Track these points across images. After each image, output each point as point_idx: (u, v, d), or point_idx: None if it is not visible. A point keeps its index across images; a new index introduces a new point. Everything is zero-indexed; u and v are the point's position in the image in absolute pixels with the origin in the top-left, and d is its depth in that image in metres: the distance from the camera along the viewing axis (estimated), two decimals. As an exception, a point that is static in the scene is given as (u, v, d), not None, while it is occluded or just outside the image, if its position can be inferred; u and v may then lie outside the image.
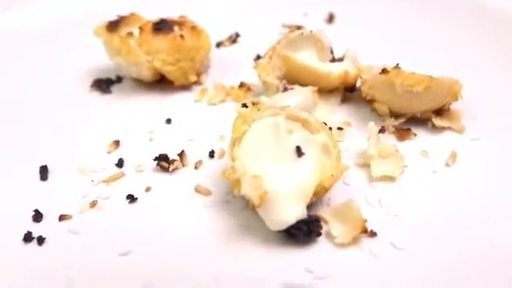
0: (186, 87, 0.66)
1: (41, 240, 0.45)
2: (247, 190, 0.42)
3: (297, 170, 0.44)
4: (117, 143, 0.56)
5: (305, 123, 0.47)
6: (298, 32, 0.64)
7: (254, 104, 0.53)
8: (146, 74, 0.66)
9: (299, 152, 0.45)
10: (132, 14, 0.68)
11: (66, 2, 0.87)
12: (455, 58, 0.68)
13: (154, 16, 0.67)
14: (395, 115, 0.58)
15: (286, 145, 0.45)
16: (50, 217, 0.47)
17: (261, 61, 0.63)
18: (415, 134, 0.57)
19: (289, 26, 0.82)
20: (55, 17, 0.84)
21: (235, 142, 0.46)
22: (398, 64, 0.56)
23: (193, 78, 0.66)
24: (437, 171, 0.52)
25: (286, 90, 0.60)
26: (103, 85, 0.69)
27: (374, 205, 0.48)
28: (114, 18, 0.67)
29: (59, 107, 0.65)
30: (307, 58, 0.63)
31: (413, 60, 0.62)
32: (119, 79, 0.70)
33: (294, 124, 0.47)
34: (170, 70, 0.64)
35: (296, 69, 0.62)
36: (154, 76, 0.66)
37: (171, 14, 0.69)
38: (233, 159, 0.45)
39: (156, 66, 0.64)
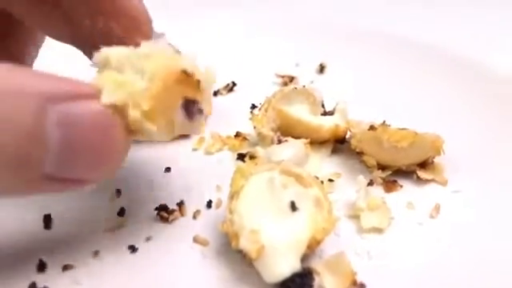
0: (184, 136, 0.70)
1: (45, 291, 0.46)
2: (245, 244, 0.44)
3: (291, 225, 0.46)
4: (119, 192, 0.59)
5: (298, 178, 0.50)
6: (291, 86, 0.68)
7: (250, 157, 0.56)
8: None
9: (293, 207, 0.47)
10: None
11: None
12: (439, 114, 0.73)
13: None
14: (382, 167, 0.61)
15: (281, 199, 0.48)
16: (53, 267, 0.49)
17: (256, 113, 0.67)
18: (401, 186, 0.60)
19: (282, 76, 0.87)
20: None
21: (233, 195, 0.49)
22: (384, 121, 0.60)
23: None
24: (422, 223, 0.54)
25: (280, 141, 0.64)
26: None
27: (363, 256, 0.50)
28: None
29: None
30: (300, 112, 0.67)
31: (398, 113, 0.67)
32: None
33: (288, 178, 0.50)
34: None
35: (289, 122, 0.66)
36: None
37: None
38: (231, 212, 0.48)
39: None
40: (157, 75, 0.41)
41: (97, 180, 0.42)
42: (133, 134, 0.42)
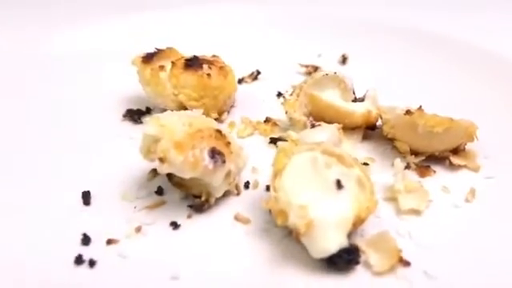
0: (216, 120, 0.70)
1: (92, 263, 0.46)
2: (294, 219, 0.45)
3: (337, 202, 0.47)
4: (155, 171, 0.59)
5: (340, 158, 0.51)
6: (323, 72, 0.69)
7: (290, 139, 0.57)
8: (171, 106, 0.69)
9: (339, 185, 0.48)
10: (169, 49, 0.72)
11: (114, 30, 0.93)
12: (467, 102, 0.73)
13: (194, 52, 0.72)
14: (415, 153, 0.62)
15: (326, 178, 0.48)
16: (97, 241, 0.49)
17: (288, 98, 0.68)
18: (435, 171, 0.60)
19: (306, 66, 0.88)
20: (99, 43, 0.90)
21: (277, 173, 0.50)
22: (420, 106, 0.60)
23: (214, 116, 0.69)
24: (458, 206, 0.55)
25: (313, 126, 0.64)
26: (135, 115, 0.72)
27: (405, 236, 0.51)
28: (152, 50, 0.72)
29: (94, 134, 0.68)
30: (332, 97, 0.67)
31: (424, 102, 0.68)
32: (148, 110, 0.74)
33: (330, 159, 0.51)
34: (192, 105, 0.68)
35: (321, 107, 0.66)
36: (179, 108, 0.69)
37: (207, 51, 0.74)
38: (275, 190, 0.48)
39: (181, 100, 0.68)
40: (195, 124, 0.52)
41: None
42: (162, 162, 0.49)
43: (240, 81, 0.83)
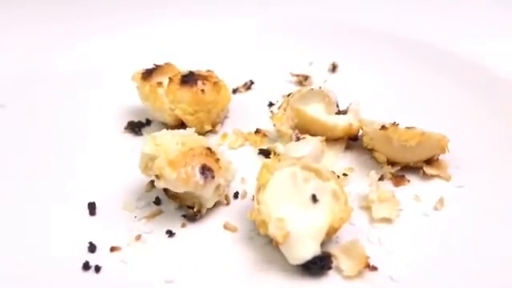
0: (210, 131, 0.76)
1: (98, 268, 0.53)
2: (273, 230, 0.51)
3: (313, 214, 0.53)
4: (153, 183, 0.65)
5: (317, 173, 0.56)
6: (308, 87, 0.74)
7: (274, 153, 0.63)
8: (169, 120, 0.74)
9: (314, 199, 0.54)
10: (167, 64, 0.77)
11: (114, 47, 0.98)
12: (445, 113, 0.78)
13: (191, 64, 0.77)
14: (392, 163, 0.67)
15: (303, 192, 0.54)
16: (102, 248, 0.55)
17: (276, 112, 0.73)
18: (409, 181, 0.65)
19: (297, 75, 0.92)
20: (100, 59, 0.94)
21: (260, 188, 0.55)
22: (394, 122, 0.66)
23: (208, 128, 0.74)
24: (427, 214, 0.60)
25: (298, 138, 0.69)
26: (135, 127, 0.77)
27: (375, 243, 0.56)
28: (151, 66, 0.77)
29: (97, 146, 0.73)
30: (316, 111, 0.72)
31: (407, 112, 0.73)
32: (148, 122, 0.79)
33: (308, 173, 0.56)
34: (188, 119, 0.73)
35: (306, 120, 0.71)
36: (175, 121, 0.75)
37: (202, 63, 0.80)
38: (258, 203, 0.54)
39: (177, 114, 0.73)
40: (188, 143, 0.58)
41: None
42: (158, 178, 0.55)
43: (234, 91, 0.87)
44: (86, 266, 0.53)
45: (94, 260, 0.54)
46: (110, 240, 0.56)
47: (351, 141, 0.73)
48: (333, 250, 0.54)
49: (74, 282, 0.52)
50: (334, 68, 0.96)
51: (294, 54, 0.99)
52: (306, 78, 0.92)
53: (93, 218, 0.60)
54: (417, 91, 0.85)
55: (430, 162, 0.67)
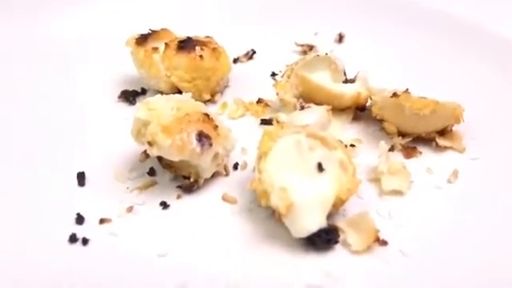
0: (209, 101, 0.71)
1: (85, 241, 0.49)
2: (275, 200, 0.47)
3: (318, 184, 0.49)
4: (147, 153, 0.61)
5: (323, 141, 0.52)
6: (314, 54, 0.69)
7: (277, 122, 0.59)
8: (165, 88, 0.70)
9: (320, 168, 0.49)
10: (163, 30, 0.73)
11: (108, 13, 0.93)
12: (458, 83, 0.73)
13: (189, 32, 0.73)
14: (402, 134, 0.63)
15: (309, 161, 0.50)
16: (91, 220, 0.52)
17: (279, 80, 0.69)
18: (420, 152, 0.62)
19: (301, 45, 0.88)
20: (93, 25, 0.90)
21: (262, 156, 0.51)
22: (407, 89, 0.61)
23: (206, 97, 0.70)
24: (440, 187, 0.57)
25: (302, 108, 0.65)
26: (130, 96, 0.73)
27: (385, 216, 0.53)
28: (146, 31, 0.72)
29: (89, 115, 0.69)
30: (322, 79, 0.68)
31: (417, 82, 0.68)
32: (144, 91, 0.75)
33: (314, 141, 0.52)
34: (185, 87, 0.69)
35: (312, 89, 0.67)
36: (172, 90, 0.70)
37: (201, 30, 0.75)
38: (260, 172, 0.50)
39: (173, 82, 0.69)
40: (184, 109, 0.53)
41: None
42: (151, 146, 0.52)
43: (235, 60, 0.83)
44: (73, 239, 0.50)
45: (81, 232, 0.51)
46: (100, 212, 0.53)
47: (359, 111, 0.68)
48: (340, 223, 0.50)
49: (60, 255, 0.49)
50: (340, 38, 0.91)
51: (298, 23, 0.94)
52: (311, 47, 0.87)
53: (82, 188, 0.57)
54: (427, 60, 0.81)
55: (443, 132, 0.63)
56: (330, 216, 0.50)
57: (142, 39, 0.71)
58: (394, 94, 0.60)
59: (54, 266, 0.47)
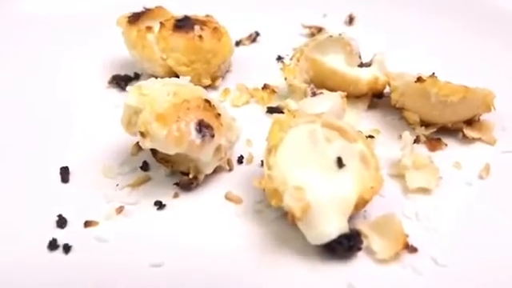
0: (209, 86, 0.65)
1: (67, 248, 0.44)
2: (289, 201, 0.40)
3: (338, 182, 0.43)
4: (139, 145, 0.54)
5: (342, 131, 0.46)
6: (326, 35, 0.63)
7: (287, 110, 0.52)
8: (160, 72, 0.65)
9: (340, 163, 0.43)
10: (158, 8, 0.67)
11: None
12: (482, 68, 0.68)
13: (186, 11, 0.67)
14: (425, 124, 0.57)
15: (326, 154, 0.44)
16: (74, 223, 0.46)
17: (288, 63, 0.62)
18: (446, 144, 0.56)
19: (309, 27, 0.82)
20: (83, 2, 0.85)
21: (271, 149, 0.45)
22: (433, 73, 0.55)
23: (206, 82, 0.65)
24: (471, 183, 0.51)
25: (314, 94, 0.59)
26: (121, 81, 0.68)
27: (412, 218, 0.47)
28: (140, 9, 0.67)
29: (75, 103, 0.64)
30: (335, 62, 0.62)
31: (436, 67, 0.62)
32: (136, 76, 0.69)
33: (331, 132, 0.46)
34: (182, 71, 0.64)
35: (324, 73, 0.61)
36: (168, 74, 0.65)
37: (199, 10, 0.69)
38: (269, 167, 0.44)
39: (170, 65, 0.64)
40: (181, 94, 0.47)
41: None
42: (143, 137, 0.46)
43: (237, 43, 0.78)
44: (53, 245, 0.44)
45: (63, 237, 0.45)
46: (85, 213, 0.47)
47: (375, 98, 0.62)
48: (361, 226, 0.44)
49: (37, 264, 0.43)
50: (350, 20, 0.85)
51: (305, 4, 0.88)
52: (320, 29, 0.81)
53: (65, 185, 0.51)
54: (447, 43, 0.75)
55: (470, 122, 0.57)
56: (350, 219, 0.44)
57: (135, 18, 0.66)
58: (419, 79, 0.54)
59: (30, 277, 0.42)
